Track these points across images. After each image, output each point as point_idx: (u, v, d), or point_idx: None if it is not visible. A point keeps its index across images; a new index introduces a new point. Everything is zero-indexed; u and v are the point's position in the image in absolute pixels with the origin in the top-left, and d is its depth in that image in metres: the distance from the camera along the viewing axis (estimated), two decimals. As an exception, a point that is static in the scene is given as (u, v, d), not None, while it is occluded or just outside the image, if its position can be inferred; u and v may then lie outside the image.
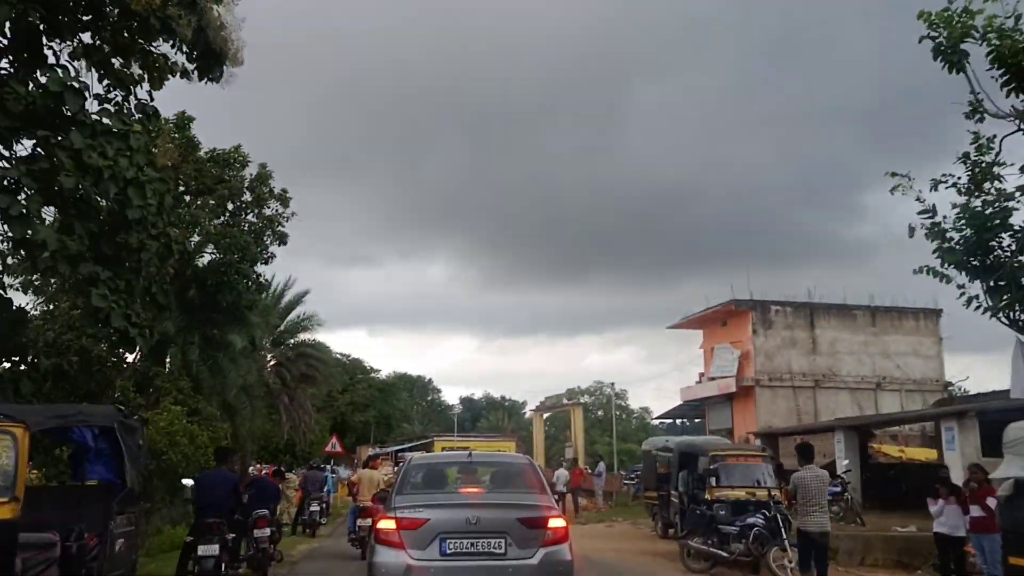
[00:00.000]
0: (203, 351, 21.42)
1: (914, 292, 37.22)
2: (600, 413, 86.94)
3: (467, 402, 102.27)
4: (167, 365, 20.32)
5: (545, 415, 50.75)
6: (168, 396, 19.35)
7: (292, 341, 29.90)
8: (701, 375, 40.28)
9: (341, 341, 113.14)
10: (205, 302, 21.76)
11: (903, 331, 38.16)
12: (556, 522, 7.40)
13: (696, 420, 43.70)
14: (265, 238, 22.45)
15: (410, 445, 44.97)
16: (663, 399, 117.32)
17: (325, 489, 23.33)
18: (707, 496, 13.76)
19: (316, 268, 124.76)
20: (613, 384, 49.48)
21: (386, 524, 7.35)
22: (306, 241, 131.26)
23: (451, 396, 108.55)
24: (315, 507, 18.85)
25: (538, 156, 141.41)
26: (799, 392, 36.13)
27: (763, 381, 36.22)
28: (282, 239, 22.74)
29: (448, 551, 7.10)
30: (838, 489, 16.69)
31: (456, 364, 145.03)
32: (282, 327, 29.66)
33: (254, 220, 22.65)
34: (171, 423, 17.84)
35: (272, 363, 29.21)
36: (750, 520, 11.72)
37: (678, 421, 48.70)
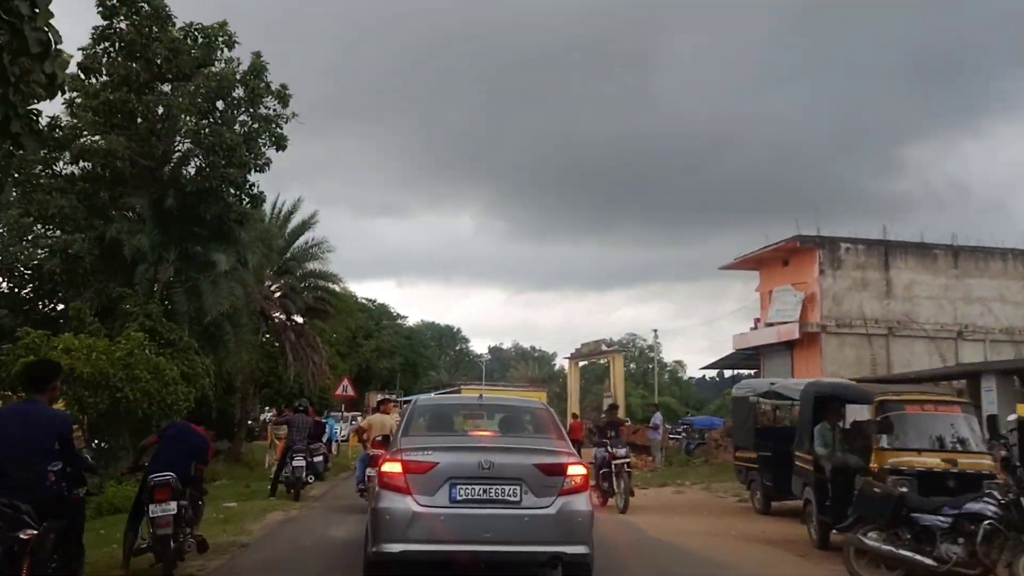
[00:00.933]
0: (181, 271, 17.91)
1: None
2: (632, 366, 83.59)
3: (496, 352, 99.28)
4: (136, 287, 16.85)
5: (581, 363, 46.96)
6: (134, 322, 15.91)
7: (300, 271, 26.35)
8: (757, 321, 36.28)
9: (370, 291, 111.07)
10: (185, 214, 18.21)
11: (989, 274, 33.77)
12: (576, 469, 6.83)
13: (750, 371, 39.83)
14: (260, 141, 18.77)
15: (433, 394, 41.75)
16: (697, 353, 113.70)
17: (326, 439, 20.12)
18: (872, 464, 9.18)
19: (345, 218, 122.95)
20: (656, 332, 45.08)
21: (391, 467, 6.71)
22: (335, 189, 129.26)
23: (479, 347, 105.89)
24: (299, 461, 15.06)
25: (569, 103, 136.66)
26: (871, 340, 32.04)
27: (830, 327, 32.15)
28: (280, 143, 19.05)
29: (458, 497, 6.55)
30: (1004, 454, 11.62)
31: (484, 316, 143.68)
32: (288, 254, 26.10)
33: (247, 119, 18.97)
34: (130, 353, 14.38)
35: (277, 294, 25.74)
36: (971, 507, 7.33)
37: (727, 373, 44.88)
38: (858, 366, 31.91)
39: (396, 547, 6.47)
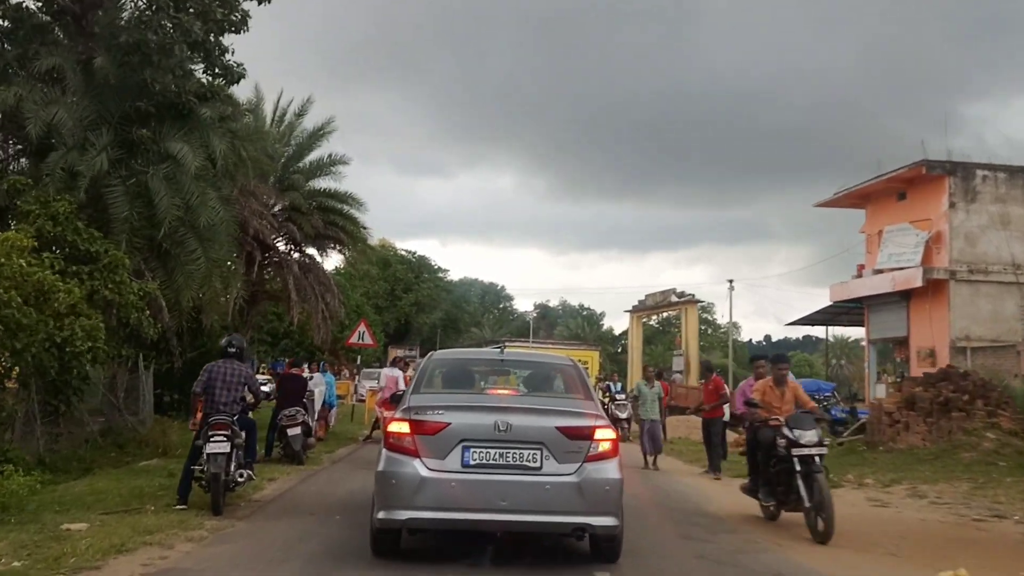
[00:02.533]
0: (121, 163, 12.77)
1: None
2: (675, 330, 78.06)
3: (542, 308, 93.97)
4: (46, 178, 11.74)
5: (645, 318, 41.04)
6: (30, 225, 10.80)
7: (308, 187, 21.12)
8: (861, 268, 30.23)
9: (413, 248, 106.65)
10: (125, 82, 13.01)
11: None
12: (604, 433, 6.30)
13: (848, 328, 33.85)
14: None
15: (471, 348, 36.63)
16: (742, 318, 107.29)
17: (325, 401, 15.30)
18: None
19: (387, 177, 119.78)
20: (731, 282, 38.85)
21: (398, 427, 6.28)
22: (376, 146, 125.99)
23: (523, 306, 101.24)
24: (217, 446, 8.90)
25: (608, 57, 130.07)
26: (1014, 290, 25.88)
27: (960, 273, 26.02)
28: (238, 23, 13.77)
29: (472, 462, 6.09)
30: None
31: (526, 277, 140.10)
32: (293, 167, 20.89)
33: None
34: (-5, 262, 9.25)
35: (282, 216, 20.62)
36: None
37: (812, 333, 38.82)
38: (994, 322, 25.90)
39: (402, 514, 6.08)
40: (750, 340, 71.33)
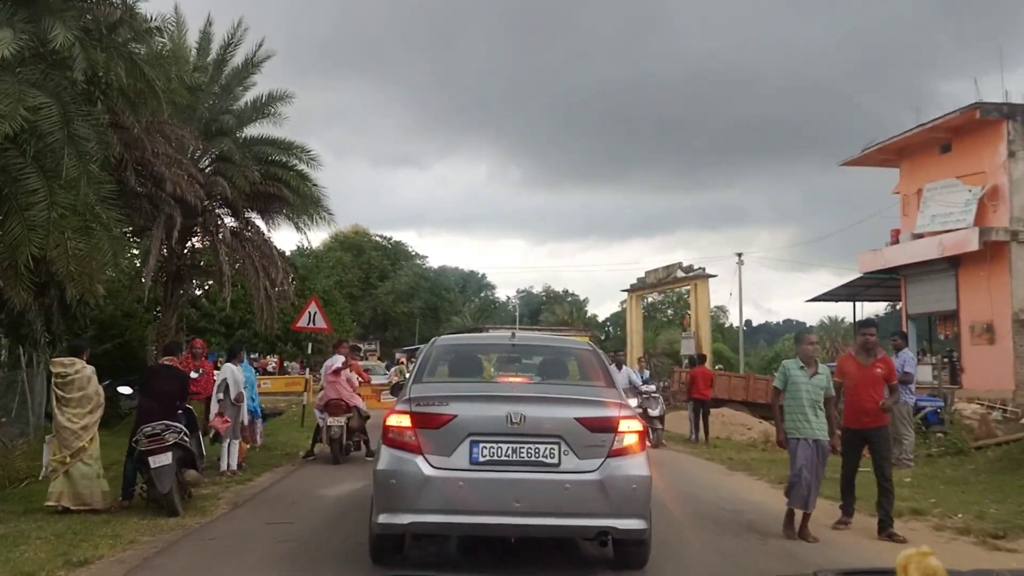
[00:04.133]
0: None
1: None
2: (670, 313, 74.41)
3: (526, 296, 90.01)
4: None
5: (647, 296, 36.75)
6: None
7: (243, 136, 16.86)
8: (896, 233, 26.46)
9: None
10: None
11: None
12: (630, 424, 5.64)
13: (882, 301, 30.08)
14: None
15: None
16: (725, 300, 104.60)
17: (249, 408, 11.23)
18: None
19: (364, 170, 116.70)
20: (740, 256, 34.36)
21: (398, 420, 5.61)
22: (350, 140, 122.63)
23: (505, 294, 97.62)
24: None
25: (578, 37, 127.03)
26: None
27: (1023, 234, 22.35)
28: None
29: (481, 458, 5.47)
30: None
31: (507, 267, 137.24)
32: (223, 107, 16.60)
33: None
34: None
35: (208, 168, 16.38)
36: None
37: (834, 312, 34.98)
38: (1060, 292, 22.26)
39: (404, 518, 5.46)
40: (730, 324, 67.69)
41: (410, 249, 78.56)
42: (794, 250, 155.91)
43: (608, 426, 5.58)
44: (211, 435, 10.65)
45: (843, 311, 64.65)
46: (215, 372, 11.20)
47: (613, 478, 5.47)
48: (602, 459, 5.49)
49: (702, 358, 21.82)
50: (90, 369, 8.35)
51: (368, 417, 12.95)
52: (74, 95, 10.21)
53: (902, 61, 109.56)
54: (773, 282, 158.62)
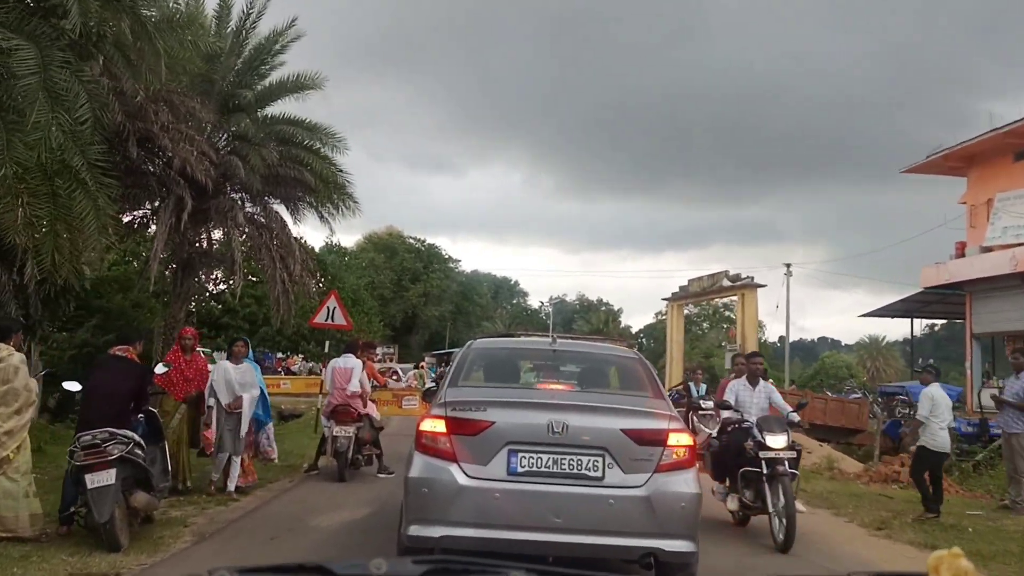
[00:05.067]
0: None
1: None
2: (706, 326, 72.49)
3: (559, 303, 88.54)
4: None
5: (687, 307, 34.94)
6: None
7: (263, 115, 15.64)
8: (961, 246, 24.63)
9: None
10: None
11: None
12: (679, 438, 5.27)
13: (941, 319, 28.16)
14: None
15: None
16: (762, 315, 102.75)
17: (255, 415, 9.65)
18: None
19: (399, 174, 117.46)
20: (788, 267, 32.41)
21: (432, 425, 5.27)
22: (385, 143, 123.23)
23: (537, 302, 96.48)
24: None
25: (615, 47, 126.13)
26: None
27: (1111, 249, 20.48)
28: None
29: (519, 469, 5.11)
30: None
31: (540, 276, 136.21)
32: (243, 82, 15.41)
33: None
34: None
35: (225, 145, 15.20)
36: None
37: (827, 335, 33.12)
38: None
39: (436, 530, 5.05)
40: (765, 340, 65.84)
41: (444, 252, 77.42)
42: (829, 266, 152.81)
43: (657, 439, 5.24)
44: (199, 448, 9.28)
45: (886, 329, 62.37)
46: (209, 367, 9.71)
47: (661, 494, 5.13)
48: (649, 474, 5.16)
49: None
50: (18, 357, 6.64)
51: (382, 428, 11.56)
52: (62, 46, 9.07)
53: (941, 80, 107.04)
54: (806, 299, 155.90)
